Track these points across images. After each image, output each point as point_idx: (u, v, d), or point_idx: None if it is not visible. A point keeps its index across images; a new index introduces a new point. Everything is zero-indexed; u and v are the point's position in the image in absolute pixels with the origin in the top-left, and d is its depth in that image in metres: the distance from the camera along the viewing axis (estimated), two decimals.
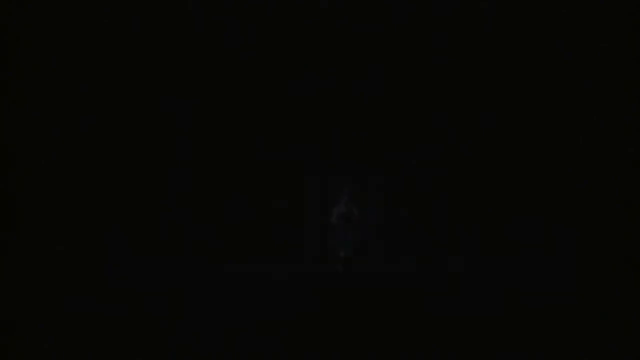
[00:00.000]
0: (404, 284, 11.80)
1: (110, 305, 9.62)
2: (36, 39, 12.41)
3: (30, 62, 12.39)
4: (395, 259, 13.58)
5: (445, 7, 13.17)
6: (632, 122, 12.52)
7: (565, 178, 13.14)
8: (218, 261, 13.33)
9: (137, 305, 9.52)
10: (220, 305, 9.66)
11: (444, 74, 13.46)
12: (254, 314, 8.98)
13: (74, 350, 7.56)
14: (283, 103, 13.63)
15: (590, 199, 12.79)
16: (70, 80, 12.67)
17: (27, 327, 8.34)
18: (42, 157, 12.48)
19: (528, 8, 12.97)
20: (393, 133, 13.66)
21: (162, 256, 12.98)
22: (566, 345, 7.64)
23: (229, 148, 13.69)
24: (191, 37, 13.29)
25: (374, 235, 13.61)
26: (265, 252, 13.71)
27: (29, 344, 7.70)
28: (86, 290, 10.61)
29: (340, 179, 13.29)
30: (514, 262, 12.88)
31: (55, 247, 12.18)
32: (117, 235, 13.06)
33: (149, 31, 13.04)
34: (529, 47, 13.09)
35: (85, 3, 12.61)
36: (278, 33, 13.36)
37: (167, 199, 13.58)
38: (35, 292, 10.15)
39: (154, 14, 13.02)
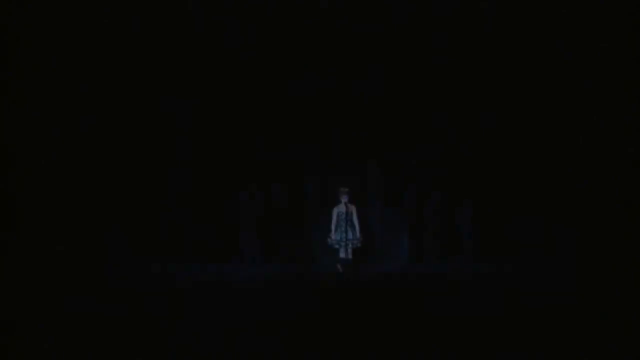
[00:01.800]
0: (404, 284, 11.81)
1: (110, 305, 9.62)
2: (36, 39, 12.40)
3: (30, 62, 12.38)
4: (395, 259, 13.59)
5: (445, 7, 13.16)
6: (632, 122, 12.52)
7: (565, 178, 13.14)
8: (218, 261, 13.35)
9: (137, 305, 9.52)
10: (220, 305, 9.67)
11: (444, 74, 13.46)
12: (254, 314, 8.98)
13: (74, 350, 7.56)
14: (283, 103, 13.63)
15: (590, 199, 12.79)
16: (70, 80, 12.66)
17: (27, 327, 8.34)
18: (42, 157, 12.48)
19: (528, 8, 12.96)
20: (393, 133, 13.66)
21: (162, 256, 12.99)
22: (566, 345, 7.64)
23: (229, 148, 13.69)
24: (191, 37, 13.29)
25: (374, 235, 13.62)
26: (265, 252, 13.72)
27: (29, 344, 7.70)
28: (86, 290, 10.61)
29: (340, 179, 13.30)
30: (514, 262, 12.89)
31: (55, 247, 12.18)
32: (117, 235, 13.07)
33: (149, 31, 13.03)
34: (529, 47, 13.09)
35: (85, 3, 12.60)
36: (278, 33, 13.36)
37: (167, 199, 13.58)
38: (35, 292, 10.14)
39: (154, 14, 13.02)
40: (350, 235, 12.77)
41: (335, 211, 12.93)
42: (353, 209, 12.90)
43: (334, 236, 12.83)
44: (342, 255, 12.76)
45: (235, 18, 13.32)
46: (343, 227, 12.80)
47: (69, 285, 10.88)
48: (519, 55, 13.15)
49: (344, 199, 12.90)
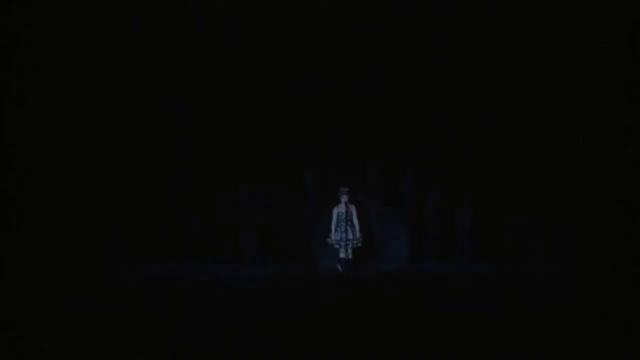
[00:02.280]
0: (403, 284, 11.81)
1: (110, 305, 9.62)
2: (36, 39, 12.40)
3: (30, 62, 12.38)
4: (395, 259, 13.58)
5: (445, 7, 13.16)
6: (632, 122, 12.51)
7: (565, 178, 13.14)
8: (218, 261, 13.35)
9: (137, 305, 9.52)
10: (220, 305, 9.67)
11: (444, 74, 13.45)
12: (254, 314, 8.99)
13: (74, 350, 7.56)
14: (283, 103, 13.63)
15: (590, 199, 12.79)
16: (70, 80, 12.66)
17: (27, 327, 8.34)
18: (42, 157, 12.48)
19: (528, 8, 12.96)
20: (393, 133, 13.66)
21: (162, 256, 12.99)
22: (566, 345, 7.64)
23: (229, 148, 13.68)
24: (191, 37, 13.28)
25: (374, 235, 13.61)
26: (265, 252, 13.71)
27: (29, 344, 7.70)
28: (86, 290, 10.61)
29: (340, 179, 13.30)
30: (514, 262, 12.88)
31: (55, 247, 12.18)
32: (117, 235, 13.06)
33: (149, 31, 13.03)
34: (529, 47, 13.08)
35: (85, 3, 12.60)
36: (278, 33, 13.35)
37: (167, 199, 13.58)
38: (35, 292, 10.14)
39: (154, 14, 13.01)
40: (350, 235, 12.77)
41: (335, 211, 12.94)
42: (353, 209, 12.90)
43: (334, 236, 12.83)
44: (342, 255, 12.76)
45: (235, 18, 13.31)
46: (343, 227, 12.80)
47: (69, 285, 10.88)
48: (519, 55, 13.14)
49: (344, 199, 12.90)
